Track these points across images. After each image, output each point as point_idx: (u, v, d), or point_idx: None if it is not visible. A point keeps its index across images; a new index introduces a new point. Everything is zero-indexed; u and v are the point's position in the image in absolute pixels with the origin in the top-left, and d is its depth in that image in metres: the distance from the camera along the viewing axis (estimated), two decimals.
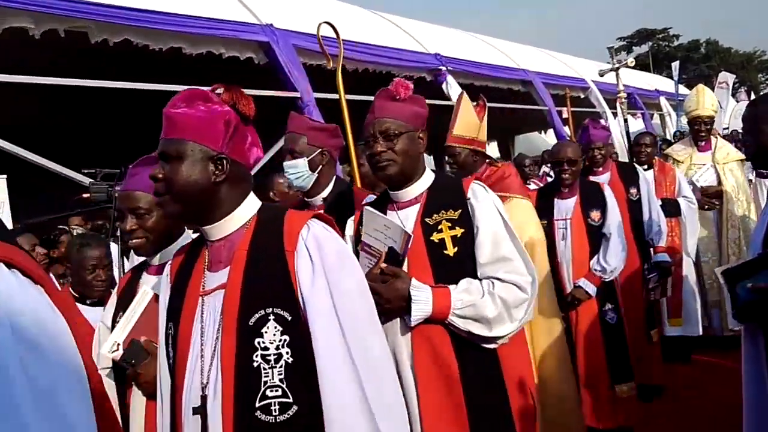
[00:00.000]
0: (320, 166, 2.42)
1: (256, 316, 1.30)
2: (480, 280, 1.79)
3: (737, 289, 1.79)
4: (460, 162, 2.89)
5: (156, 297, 1.69)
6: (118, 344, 1.77)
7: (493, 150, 13.75)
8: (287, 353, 1.29)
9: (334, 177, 2.52)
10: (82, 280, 2.71)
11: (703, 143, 4.69)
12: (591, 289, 3.27)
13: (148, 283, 1.88)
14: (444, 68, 8.28)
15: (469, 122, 2.88)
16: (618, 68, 5.75)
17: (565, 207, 3.39)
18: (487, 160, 2.97)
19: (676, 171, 4.48)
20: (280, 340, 1.29)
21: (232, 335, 1.30)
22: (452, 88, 8.26)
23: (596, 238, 3.31)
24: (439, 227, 1.83)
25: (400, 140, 1.84)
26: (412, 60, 8.01)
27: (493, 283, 1.78)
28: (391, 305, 1.73)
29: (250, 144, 1.44)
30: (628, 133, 5.01)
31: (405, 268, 1.80)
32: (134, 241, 1.84)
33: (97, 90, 5.24)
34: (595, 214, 3.33)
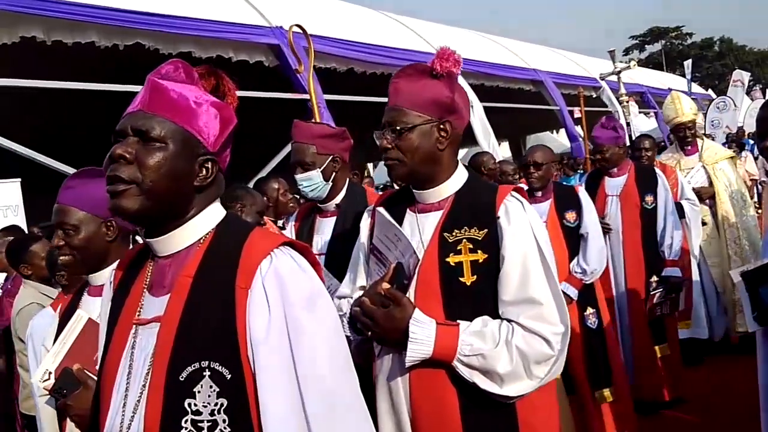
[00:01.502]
0: (333, 173, 2.31)
1: (189, 369, 1.01)
2: (501, 320, 1.47)
3: (761, 292, 1.75)
4: None
5: (91, 321, 1.58)
6: (50, 372, 1.58)
7: (504, 150, 13.71)
8: (224, 422, 0.99)
9: (348, 181, 2.42)
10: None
11: (689, 147, 4.66)
12: (572, 292, 3.20)
13: (87, 305, 1.72)
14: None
15: None
16: (620, 71, 5.71)
17: (540, 210, 3.24)
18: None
19: (678, 173, 4.33)
20: (216, 404, 1.00)
21: (160, 391, 1.02)
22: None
23: (573, 238, 3.26)
24: (458, 247, 1.50)
25: (407, 135, 1.52)
26: (422, 61, 7.99)
27: (513, 329, 1.44)
28: (385, 336, 1.46)
29: (229, 143, 1.18)
30: (631, 136, 4.94)
31: (412, 291, 1.51)
32: (61, 258, 1.71)
33: (109, 94, 5.29)
34: (570, 215, 3.28)
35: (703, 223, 4.39)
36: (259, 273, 1.05)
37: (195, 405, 1.00)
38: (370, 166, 16.14)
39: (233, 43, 5.66)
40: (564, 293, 3.10)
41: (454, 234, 1.52)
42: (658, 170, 3.96)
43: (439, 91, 1.53)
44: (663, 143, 12.94)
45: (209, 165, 1.10)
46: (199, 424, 1.00)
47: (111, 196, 1.06)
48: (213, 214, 1.13)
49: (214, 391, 1.00)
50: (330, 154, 2.31)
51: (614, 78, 6.08)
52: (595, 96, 12.02)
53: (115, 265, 1.26)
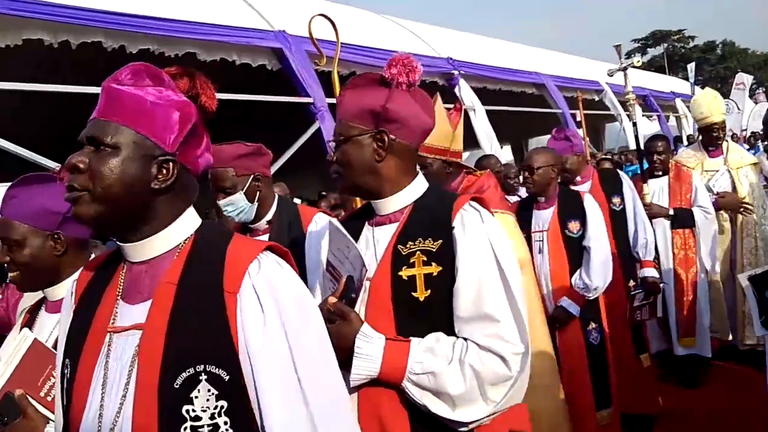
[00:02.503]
0: (258, 193, 2.23)
1: (184, 375, 0.99)
2: (456, 337, 1.37)
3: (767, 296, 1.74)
4: (432, 173, 2.55)
5: (38, 342, 1.44)
6: None
7: (506, 153, 13.71)
8: (225, 424, 0.99)
9: (276, 197, 2.32)
10: None
11: (714, 149, 4.42)
12: (574, 309, 3.02)
13: (42, 323, 1.61)
14: (456, 72, 8.27)
15: (440, 130, 2.54)
16: (626, 68, 5.58)
17: (543, 218, 3.16)
18: (465, 170, 2.72)
19: (693, 177, 4.14)
20: (216, 407, 0.99)
21: (151, 398, 0.98)
22: (465, 92, 8.25)
23: (575, 250, 3.07)
24: (412, 260, 1.40)
25: (344, 147, 1.45)
26: (425, 64, 7.89)
27: (467, 347, 1.33)
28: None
29: (204, 148, 1.16)
30: (637, 136, 4.82)
31: (363, 308, 1.43)
32: (10, 275, 1.60)
33: None
34: (573, 225, 3.09)
35: (720, 231, 4.23)
36: (248, 277, 1.04)
37: (193, 411, 0.98)
38: None
39: (236, 46, 5.69)
40: (564, 310, 3.00)
41: (408, 246, 1.43)
42: (621, 173, 3.90)
43: (375, 100, 1.44)
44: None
45: (168, 166, 1.08)
46: (200, 430, 0.98)
47: (70, 203, 1.07)
48: (190, 220, 1.12)
49: (213, 394, 0.99)
50: (250, 173, 2.21)
51: (620, 75, 5.96)
52: (597, 99, 12.03)
53: (75, 276, 1.22)
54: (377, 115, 1.43)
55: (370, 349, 1.34)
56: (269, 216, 2.27)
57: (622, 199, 3.67)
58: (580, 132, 9.07)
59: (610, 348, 3.14)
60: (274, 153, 2.46)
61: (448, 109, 2.59)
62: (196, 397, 0.99)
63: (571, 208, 3.12)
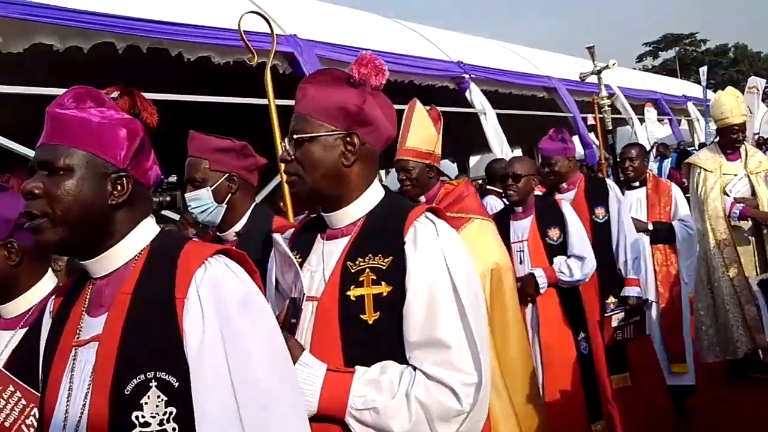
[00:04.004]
0: (229, 195, 2.03)
1: (135, 381, 1.00)
2: (406, 366, 1.23)
3: None
4: (413, 179, 2.49)
5: None
6: None
7: None
8: (174, 430, 0.99)
9: (252, 205, 2.12)
10: None
11: (732, 152, 4.20)
12: (543, 282, 2.88)
13: None
14: (467, 76, 8.26)
15: (425, 134, 2.50)
16: (600, 71, 5.39)
17: (521, 228, 3.08)
18: (441, 178, 2.64)
19: (673, 189, 3.92)
20: (165, 413, 0.99)
21: (104, 407, 1.01)
22: (475, 96, 8.24)
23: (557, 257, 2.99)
24: (361, 278, 1.27)
25: (308, 147, 1.31)
26: (435, 68, 8.01)
27: (415, 378, 1.20)
28: None
29: (153, 161, 1.18)
30: (614, 146, 4.57)
31: (305, 333, 1.31)
32: None
33: None
34: (554, 232, 3.01)
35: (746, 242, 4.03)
36: (194, 281, 1.05)
37: (143, 417, 0.99)
38: (382, 172, 16.16)
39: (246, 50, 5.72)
40: (534, 279, 2.88)
41: (357, 263, 1.29)
42: (609, 182, 3.65)
43: (348, 99, 1.31)
44: (678, 149, 12.86)
45: (123, 181, 1.11)
46: None
47: (31, 232, 1.08)
48: (146, 230, 1.14)
49: (162, 400, 1.00)
50: (225, 171, 2.02)
51: (594, 79, 5.66)
52: (609, 103, 11.97)
53: (38, 294, 1.24)
54: (351, 115, 1.31)
55: (308, 381, 1.21)
56: (239, 226, 2.06)
57: (607, 211, 3.45)
58: (593, 136, 9.01)
59: (600, 358, 3.04)
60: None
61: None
62: (146, 403, 0.99)
63: (550, 216, 3.05)
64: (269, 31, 2.82)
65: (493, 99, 8.56)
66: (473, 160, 16.30)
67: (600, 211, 3.45)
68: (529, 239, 3.02)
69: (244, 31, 2.70)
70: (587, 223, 3.35)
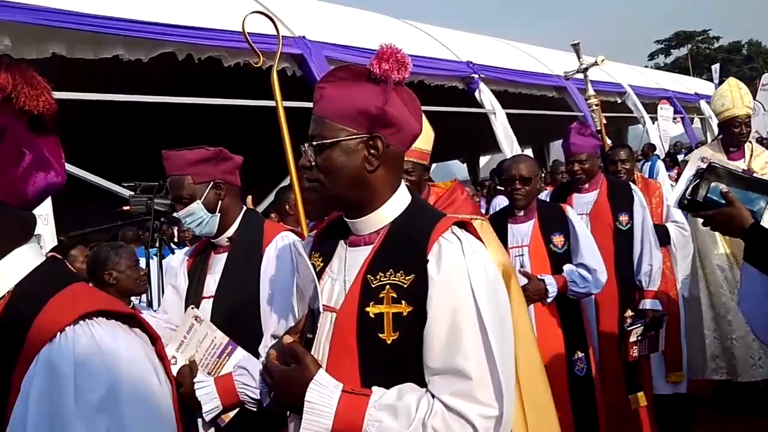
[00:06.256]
0: (219, 202, 2.04)
1: None
2: (425, 392, 1.17)
3: None
4: (412, 181, 2.38)
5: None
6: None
7: None
8: None
9: (243, 209, 2.13)
10: (130, 278, 2.77)
11: (735, 149, 3.78)
12: (553, 290, 2.67)
13: None
14: (476, 76, 8.24)
15: (425, 132, 2.47)
16: (586, 69, 5.16)
17: (521, 232, 2.85)
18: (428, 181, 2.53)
19: (663, 190, 3.68)
20: None
21: None
22: (485, 95, 8.22)
23: (560, 266, 2.76)
24: (381, 295, 1.20)
25: (329, 152, 1.22)
26: (444, 68, 8.00)
27: (433, 407, 1.14)
28: (281, 399, 1.23)
29: (34, 164, 0.87)
30: (603, 149, 4.41)
31: (323, 344, 1.25)
32: None
33: (136, 104, 5.40)
34: (558, 239, 2.79)
35: None
36: (35, 362, 0.78)
37: None
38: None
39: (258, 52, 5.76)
40: (543, 285, 2.65)
41: (378, 277, 1.21)
42: (634, 186, 3.36)
43: (370, 99, 1.21)
44: (692, 149, 12.74)
45: None
46: None
47: None
48: (15, 267, 0.87)
49: None
50: (209, 180, 2.03)
51: (581, 77, 5.45)
52: (619, 102, 11.89)
53: None
54: (373, 117, 1.21)
55: (323, 403, 1.16)
56: (231, 232, 2.07)
57: (631, 217, 3.18)
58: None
59: (598, 382, 2.78)
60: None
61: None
62: None
63: (554, 221, 2.82)
64: (290, 34, 2.80)
65: (503, 99, 8.53)
66: (483, 160, 16.26)
67: (624, 218, 3.19)
68: (530, 245, 2.80)
69: (252, 32, 2.67)
70: (609, 229, 3.15)
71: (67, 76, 5.21)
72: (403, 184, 1.31)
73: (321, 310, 1.24)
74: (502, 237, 2.73)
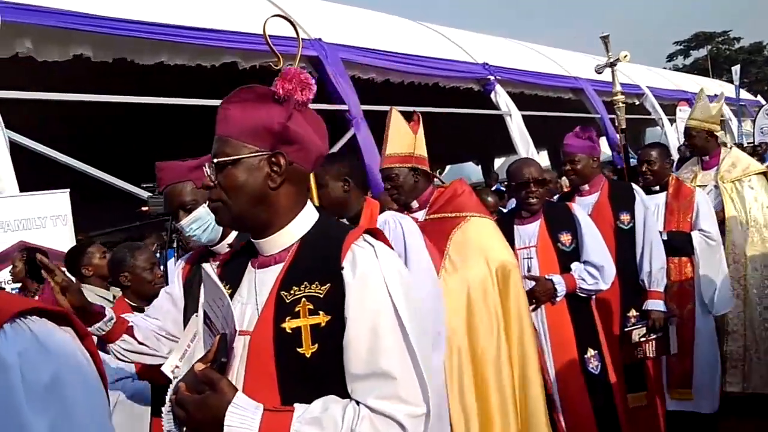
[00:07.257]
0: None
1: None
2: (349, 401, 1.17)
3: None
4: (399, 185, 2.45)
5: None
6: None
7: (543, 159, 13.53)
8: None
9: None
10: (145, 280, 2.79)
11: (708, 159, 3.78)
12: (561, 288, 2.66)
13: None
14: (492, 78, 8.22)
15: (401, 137, 2.45)
16: (614, 63, 5.04)
17: (527, 234, 2.84)
18: (434, 182, 2.56)
19: (696, 195, 3.48)
20: None
21: None
22: (501, 97, 8.19)
23: (569, 265, 2.76)
24: (297, 309, 1.19)
25: (231, 170, 1.21)
26: (460, 70, 7.99)
27: (359, 413, 1.13)
28: (202, 430, 1.16)
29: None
30: (627, 152, 4.36)
31: (238, 370, 1.22)
32: None
33: (154, 107, 5.45)
34: (566, 238, 2.78)
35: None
36: None
37: None
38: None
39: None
40: (552, 285, 2.67)
41: (293, 292, 1.20)
42: (636, 187, 3.36)
43: (272, 117, 1.22)
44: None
45: None
46: None
47: None
48: None
49: None
50: None
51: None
52: (638, 103, 11.78)
53: None
54: (275, 134, 1.22)
55: (244, 425, 1.11)
56: (231, 238, 1.97)
57: (632, 217, 3.17)
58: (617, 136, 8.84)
59: (615, 377, 2.77)
60: None
61: (408, 120, 2.52)
62: None
63: (561, 220, 2.83)
64: (294, 35, 2.85)
65: (519, 100, 8.50)
66: (498, 162, 16.18)
67: (625, 217, 3.19)
68: (538, 245, 2.79)
69: (269, 35, 2.70)
70: (611, 230, 3.12)
71: (90, 78, 5.29)
72: (309, 202, 1.31)
73: (236, 331, 1.20)
74: (509, 239, 2.72)
